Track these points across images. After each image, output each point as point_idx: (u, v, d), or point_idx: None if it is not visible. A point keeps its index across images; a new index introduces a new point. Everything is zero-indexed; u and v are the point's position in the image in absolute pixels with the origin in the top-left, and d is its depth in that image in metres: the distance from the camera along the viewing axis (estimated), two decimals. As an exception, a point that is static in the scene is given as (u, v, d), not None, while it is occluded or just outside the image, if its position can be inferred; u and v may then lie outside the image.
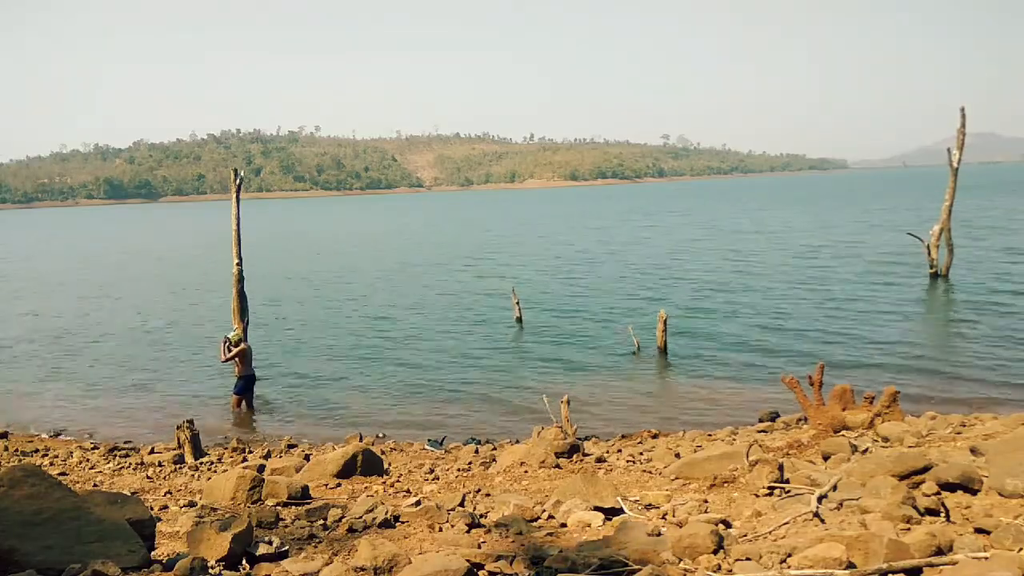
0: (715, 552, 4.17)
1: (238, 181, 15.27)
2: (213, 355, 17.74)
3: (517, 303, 20.75)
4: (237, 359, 13.82)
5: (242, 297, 15.00)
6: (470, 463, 8.92)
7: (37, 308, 27.45)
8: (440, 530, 5.28)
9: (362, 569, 4.10)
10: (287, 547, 4.88)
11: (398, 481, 7.71)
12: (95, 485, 8.50)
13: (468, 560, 4.08)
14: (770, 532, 4.61)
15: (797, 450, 7.58)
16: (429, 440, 11.20)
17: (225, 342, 13.88)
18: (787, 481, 5.75)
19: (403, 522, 5.50)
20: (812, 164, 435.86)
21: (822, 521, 4.62)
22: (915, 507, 4.59)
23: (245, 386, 13.96)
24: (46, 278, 38.16)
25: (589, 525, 5.26)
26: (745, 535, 4.66)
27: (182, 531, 5.48)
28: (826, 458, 6.84)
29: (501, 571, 4.23)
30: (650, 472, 7.44)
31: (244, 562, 4.49)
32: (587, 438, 10.83)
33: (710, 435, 10.51)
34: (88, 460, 10.27)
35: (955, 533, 4.13)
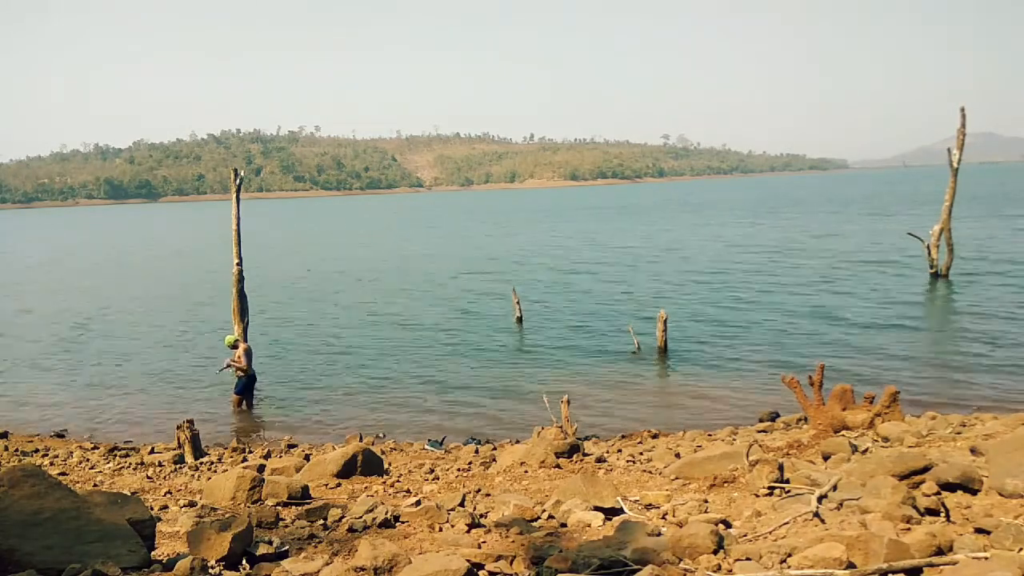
0: (715, 552, 4.17)
1: (238, 181, 15.28)
2: (210, 354, 17.75)
3: (517, 303, 20.75)
4: (235, 360, 13.85)
5: (242, 297, 15.00)
6: (470, 463, 8.93)
7: (37, 308, 27.47)
8: (440, 530, 5.28)
9: (362, 569, 4.10)
10: (287, 547, 4.88)
11: (398, 481, 7.71)
12: (95, 485, 8.50)
13: (468, 560, 4.08)
14: (770, 532, 4.61)
15: (797, 450, 7.57)
16: (429, 440, 11.20)
17: (227, 366, 13.96)
18: (787, 481, 5.75)
19: (403, 522, 5.50)
20: (812, 164, 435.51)
21: (822, 521, 4.61)
22: (915, 507, 4.58)
23: (245, 386, 13.97)
24: (47, 279, 38.16)
25: (589, 525, 5.26)
26: (745, 535, 4.66)
27: (182, 531, 5.48)
28: (826, 458, 6.84)
29: (501, 571, 4.23)
30: (650, 472, 7.44)
31: (244, 562, 4.49)
32: (587, 438, 10.83)
33: (710, 435, 10.51)
34: (88, 460, 10.28)
35: (955, 533, 4.13)
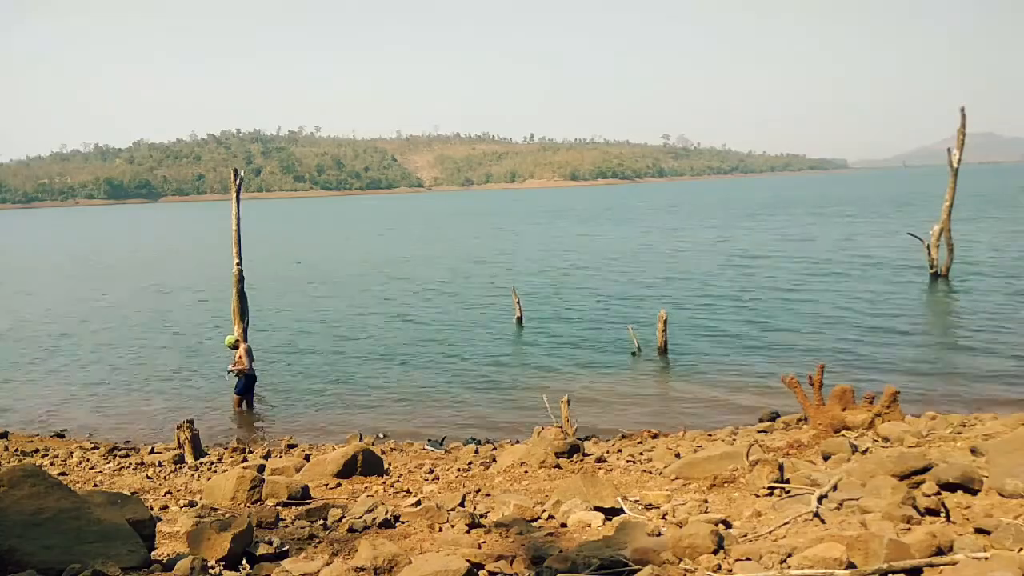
0: (715, 552, 4.17)
1: (238, 181, 15.27)
2: (210, 354, 17.76)
3: (518, 303, 20.74)
4: (237, 362, 13.85)
5: (242, 297, 14.99)
6: (470, 463, 8.92)
7: (38, 307, 27.47)
8: (440, 530, 5.28)
9: (362, 569, 4.10)
10: (287, 547, 4.88)
11: (398, 481, 7.71)
12: (95, 485, 8.50)
13: (468, 560, 4.08)
14: (770, 532, 4.61)
15: (797, 450, 7.57)
16: (429, 440, 11.20)
17: (234, 371, 13.94)
18: (787, 481, 5.75)
19: (403, 522, 5.50)
20: (812, 164, 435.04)
21: (822, 521, 4.62)
22: (915, 507, 4.58)
23: (246, 386, 13.97)
24: (46, 279, 38.16)
25: (589, 525, 5.26)
26: (745, 535, 4.66)
27: (182, 531, 5.48)
28: (826, 458, 6.84)
29: (501, 571, 4.23)
30: (650, 472, 7.44)
31: (244, 562, 4.49)
32: (587, 438, 10.82)
33: (710, 435, 10.51)
34: (88, 460, 10.27)
35: (955, 533, 4.13)
